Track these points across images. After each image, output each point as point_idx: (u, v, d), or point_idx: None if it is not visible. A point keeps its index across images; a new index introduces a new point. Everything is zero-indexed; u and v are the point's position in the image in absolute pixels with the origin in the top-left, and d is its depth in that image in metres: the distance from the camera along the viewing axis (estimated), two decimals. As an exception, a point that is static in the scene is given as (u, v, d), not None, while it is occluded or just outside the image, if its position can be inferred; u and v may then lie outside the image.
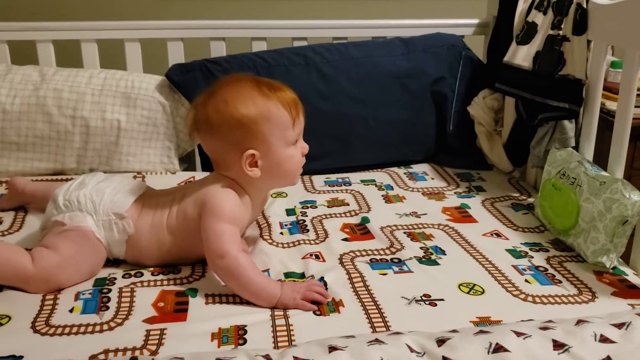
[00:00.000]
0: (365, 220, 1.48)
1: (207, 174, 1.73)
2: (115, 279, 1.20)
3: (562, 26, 1.52)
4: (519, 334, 0.88)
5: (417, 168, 1.86)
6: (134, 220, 1.23)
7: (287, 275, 1.23)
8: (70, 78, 1.74)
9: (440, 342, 0.87)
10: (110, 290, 1.16)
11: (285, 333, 1.04)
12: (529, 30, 1.59)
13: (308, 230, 1.43)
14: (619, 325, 0.92)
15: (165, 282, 1.20)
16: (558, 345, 0.86)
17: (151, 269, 1.25)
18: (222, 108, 1.19)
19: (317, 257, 1.30)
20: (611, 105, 1.69)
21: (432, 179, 1.78)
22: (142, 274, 1.22)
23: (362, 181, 1.75)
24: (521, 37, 1.61)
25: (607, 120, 1.64)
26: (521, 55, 1.59)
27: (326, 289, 1.17)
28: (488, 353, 0.84)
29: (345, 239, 1.39)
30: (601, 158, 1.40)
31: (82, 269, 1.19)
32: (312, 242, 1.37)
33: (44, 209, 1.30)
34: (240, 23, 1.89)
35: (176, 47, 1.87)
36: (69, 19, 1.86)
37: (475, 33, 1.99)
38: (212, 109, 1.20)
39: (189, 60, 1.81)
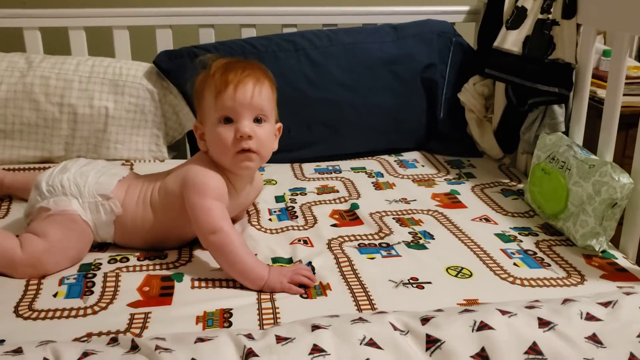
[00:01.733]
0: (354, 206, 1.47)
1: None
2: (100, 264, 1.19)
3: (552, 10, 1.52)
4: (504, 313, 0.87)
5: (408, 155, 1.85)
6: (120, 200, 1.22)
7: (275, 260, 1.23)
8: (57, 65, 1.72)
9: (425, 320, 0.86)
10: (95, 275, 1.15)
11: (272, 316, 1.03)
12: (519, 15, 1.58)
13: (297, 217, 1.42)
14: (606, 304, 0.91)
15: (151, 267, 1.19)
16: (543, 323, 0.86)
17: (137, 254, 1.23)
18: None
19: (305, 242, 1.30)
20: (603, 93, 1.68)
21: (423, 166, 1.77)
22: (127, 259, 1.21)
23: (352, 169, 1.74)
24: (511, 22, 1.60)
25: (598, 108, 1.63)
26: (511, 40, 1.58)
27: (314, 273, 1.16)
28: (472, 331, 0.83)
29: (334, 225, 1.38)
30: (593, 146, 1.40)
31: (69, 254, 1.18)
32: (301, 228, 1.36)
33: (25, 198, 1.29)
34: (229, 10, 1.88)
35: (165, 35, 1.86)
36: (57, 6, 1.84)
37: (465, 20, 1.97)
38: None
39: (177, 48, 1.79)
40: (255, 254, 1.24)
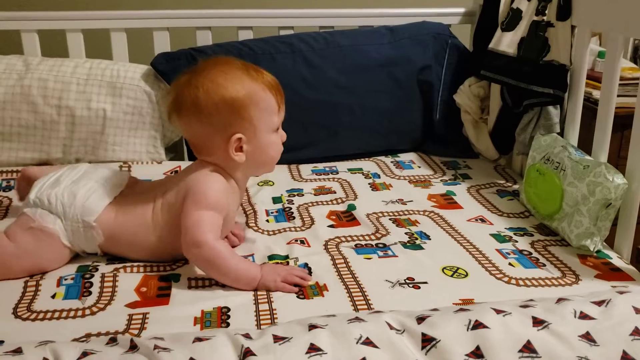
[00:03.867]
0: (351, 207, 1.48)
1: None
2: (98, 265, 1.20)
3: (547, 12, 1.53)
4: (498, 312, 0.88)
5: (404, 157, 1.86)
6: (108, 225, 1.18)
7: (271, 257, 1.24)
8: (55, 67, 1.73)
9: (420, 319, 0.87)
10: (92, 276, 1.15)
11: (269, 315, 1.04)
12: (514, 17, 1.59)
13: (294, 218, 1.43)
14: (599, 303, 0.92)
15: (148, 269, 1.19)
16: (537, 322, 0.87)
17: (135, 256, 1.24)
18: (210, 89, 1.14)
19: (302, 242, 1.30)
20: (597, 94, 1.69)
21: (419, 167, 1.78)
22: (125, 261, 1.21)
23: (349, 170, 1.75)
24: (506, 23, 1.61)
25: (593, 109, 1.64)
26: (506, 42, 1.59)
27: (310, 273, 1.17)
28: (467, 330, 0.84)
29: (331, 226, 1.39)
30: (588, 147, 1.41)
31: (39, 264, 1.16)
32: (298, 229, 1.37)
33: None
34: (227, 12, 1.89)
35: (162, 37, 1.86)
36: (55, 9, 1.85)
37: (461, 22, 1.99)
38: (201, 90, 1.14)
39: (175, 50, 1.80)
40: (252, 254, 1.25)
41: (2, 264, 1.14)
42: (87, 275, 1.15)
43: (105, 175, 1.27)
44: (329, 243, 1.30)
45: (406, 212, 1.46)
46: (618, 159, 1.68)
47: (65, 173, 1.25)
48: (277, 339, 0.84)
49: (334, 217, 1.44)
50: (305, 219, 1.42)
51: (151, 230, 1.19)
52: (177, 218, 1.17)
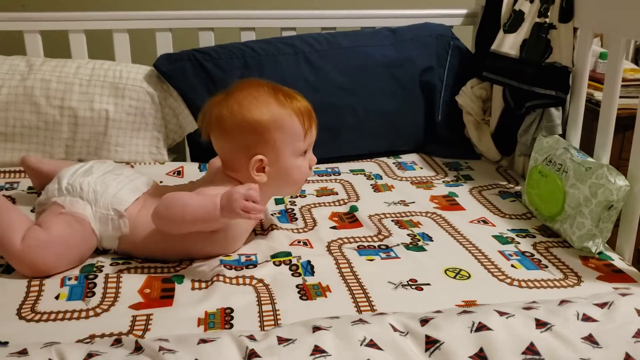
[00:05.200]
0: (353, 209, 1.48)
1: (196, 164, 1.75)
2: (102, 266, 1.20)
3: (549, 14, 1.53)
4: (502, 314, 0.88)
5: (406, 158, 1.86)
6: (132, 218, 1.22)
7: (273, 256, 1.25)
8: (58, 68, 1.73)
9: (424, 321, 0.87)
10: (96, 277, 1.16)
11: (272, 317, 1.04)
12: (516, 19, 1.60)
13: (296, 219, 1.43)
14: (602, 305, 0.92)
15: (152, 270, 1.20)
16: (541, 324, 0.87)
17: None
18: (235, 110, 1.20)
19: (305, 244, 1.31)
20: (599, 96, 1.70)
21: (421, 168, 1.79)
22: (129, 262, 1.22)
23: (352, 171, 1.75)
24: (508, 25, 1.61)
25: (595, 111, 1.64)
26: (508, 44, 1.60)
27: (312, 273, 1.17)
28: (471, 332, 0.85)
29: (334, 227, 1.39)
30: (590, 149, 1.41)
31: (70, 254, 1.18)
32: (301, 230, 1.38)
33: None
34: (229, 13, 1.89)
35: (165, 38, 1.87)
36: (58, 10, 1.85)
37: (463, 23, 1.99)
38: (226, 110, 1.21)
39: (177, 51, 1.81)
40: (255, 253, 1.26)
41: (36, 254, 1.15)
42: (91, 276, 1.16)
43: (133, 175, 1.33)
44: (331, 245, 1.30)
45: (408, 214, 1.47)
46: (619, 161, 1.69)
47: (96, 165, 1.30)
48: (281, 340, 0.84)
49: (336, 219, 1.44)
50: (307, 221, 1.42)
51: (166, 234, 1.20)
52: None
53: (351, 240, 1.33)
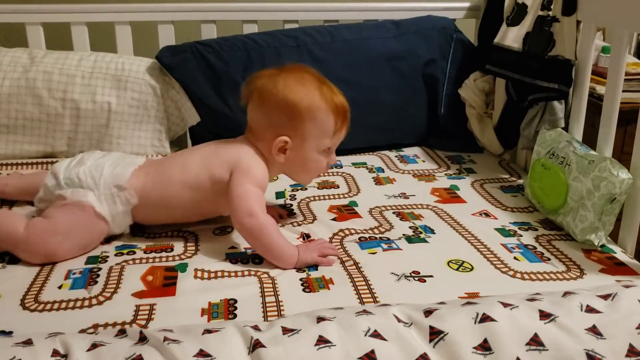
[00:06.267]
0: (353, 204, 1.48)
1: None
2: (107, 256, 1.21)
3: (552, 7, 1.53)
4: (505, 305, 0.88)
5: (409, 151, 1.86)
6: (139, 184, 1.25)
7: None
8: (60, 60, 1.73)
9: (428, 312, 0.87)
10: (100, 269, 1.16)
11: (275, 308, 1.04)
12: (519, 12, 1.59)
13: (295, 214, 1.43)
14: (605, 297, 0.93)
15: (157, 260, 1.20)
16: (544, 315, 0.87)
17: (144, 246, 1.25)
18: (280, 87, 1.24)
19: (306, 237, 1.31)
20: (602, 90, 1.69)
21: (423, 161, 1.79)
22: (134, 252, 1.23)
23: (353, 164, 1.75)
24: (511, 18, 1.61)
25: (598, 105, 1.64)
26: (511, 37, 1.60)
27: (316, 267, 1.17)
28: (475, 323, 0.85)
29: (334, 219, 1.39)
30: (593, 142, 1.41)
31: (75, 241, 1.20)
32: (301, 223, 1.38)
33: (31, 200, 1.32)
34: (231, 6, 1.89)
35: (167, 30, 1.87)
36: (59, 2, 1.85)
37: (466, 16, 1.99)
38: (272, 84, 1.24)
39: (179, 43, 1.80)
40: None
41: (41, 241, 1.17)
42: (95, 269, 1.16)
43: (122, 154, 1.38)
44: (333, 238, 1.30)
45: (409, 206, 1.47)
46: (622, 154, 1.68)
47: (86, 155, 1.32)
48: (286, 330, 0.84)
49: (335, 211, 1.44)
50: (306, 214, 1.42)
51: (182, 186, 1.26)
52: (219, 187, 1.24)
53: (352, 231, 1.33)
